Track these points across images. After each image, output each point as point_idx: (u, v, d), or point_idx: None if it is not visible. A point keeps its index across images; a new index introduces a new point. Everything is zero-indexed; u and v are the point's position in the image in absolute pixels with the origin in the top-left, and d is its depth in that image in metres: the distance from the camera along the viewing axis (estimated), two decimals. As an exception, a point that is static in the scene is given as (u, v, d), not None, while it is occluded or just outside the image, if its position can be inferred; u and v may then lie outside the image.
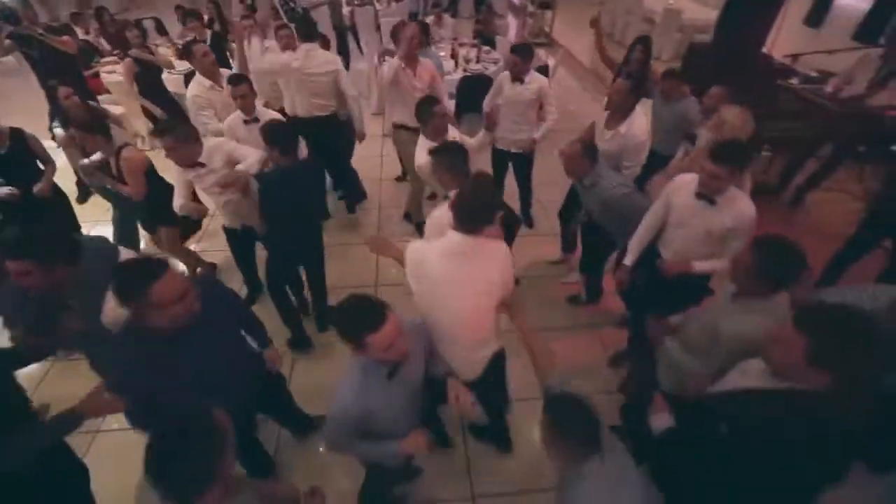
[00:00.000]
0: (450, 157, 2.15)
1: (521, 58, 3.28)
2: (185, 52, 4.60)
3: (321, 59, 3.59)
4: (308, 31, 3.60)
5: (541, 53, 8.92)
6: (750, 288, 1.58)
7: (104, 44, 6.22)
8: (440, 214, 1.97)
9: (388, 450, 1.52)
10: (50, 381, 2.88)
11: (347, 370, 1.45)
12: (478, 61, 5.69)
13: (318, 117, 3.77)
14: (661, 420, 1.55)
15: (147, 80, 4.64)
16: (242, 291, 3.37)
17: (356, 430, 1.45)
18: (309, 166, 2.77)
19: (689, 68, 4.51)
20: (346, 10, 8.17)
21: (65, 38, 4.61)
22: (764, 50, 4.54)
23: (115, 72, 5.52)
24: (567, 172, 2.57)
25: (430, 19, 6.84)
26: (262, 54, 4.20)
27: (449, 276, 1.63)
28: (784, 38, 6.06)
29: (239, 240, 3.04)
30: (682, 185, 2.19)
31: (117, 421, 2.29)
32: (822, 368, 1.15)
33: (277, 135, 2.45)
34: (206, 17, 6.23)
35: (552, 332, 3.17)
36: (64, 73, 4.15)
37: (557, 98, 3.57)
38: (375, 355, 1.34)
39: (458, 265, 1.62)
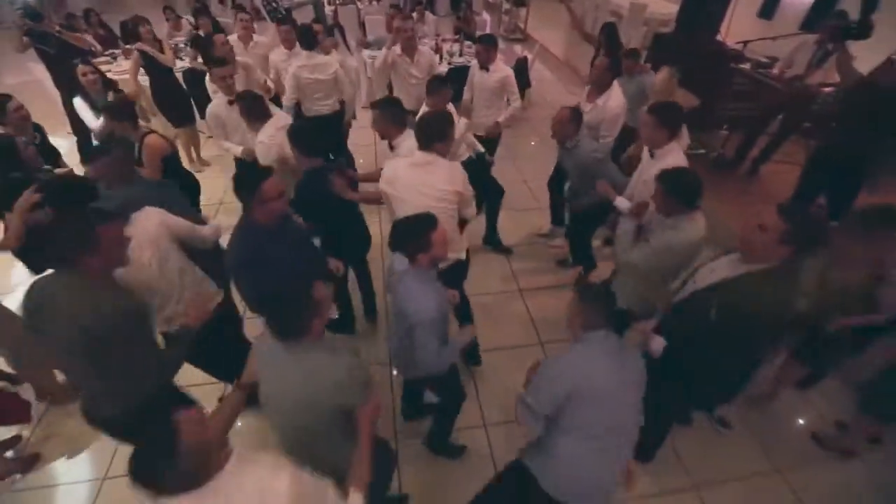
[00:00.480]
0: (391, 109, 2.64)
1: (486, 47, 3.61)
2: (200, 48, 4.72)
3: (323, 64, 3.94)
4: (310, 41, 3.92)
5: (517, 49, 9.39)
6: (671, 210, 2.08)
7: (95, 44, 6.32)
8: (393, 163, 2.41)
9: (456, 347, 1.92)
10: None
11: (405, 287, 1.78)
12: (461, 55, 6.07)
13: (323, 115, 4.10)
14: (657, 343, 1.94)
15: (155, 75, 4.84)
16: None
17: (440, 333, 1.81)
18: (333, 165, 2.83)
19: (655, 56, 4.97)
20: (328, 9, 8.43)
21: (80, 34, 4.78)
22: (719, 38, 5.04)
23: (109, 70, 5.68)
24: (554, 134, 2.97)
25: (412, 14, 7.15)
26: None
27: (412, 181, 2.24)
28: (739, 28, 6.64)
29: None
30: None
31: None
32: (789, 245, 1.62)
33: (301, 137, 2.50)
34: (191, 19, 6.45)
35: (544, 291, 3.60)
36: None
37: (535, 89, 3.96)
38: (435, 251, 1.73)
39: (420, 174, 2.23)
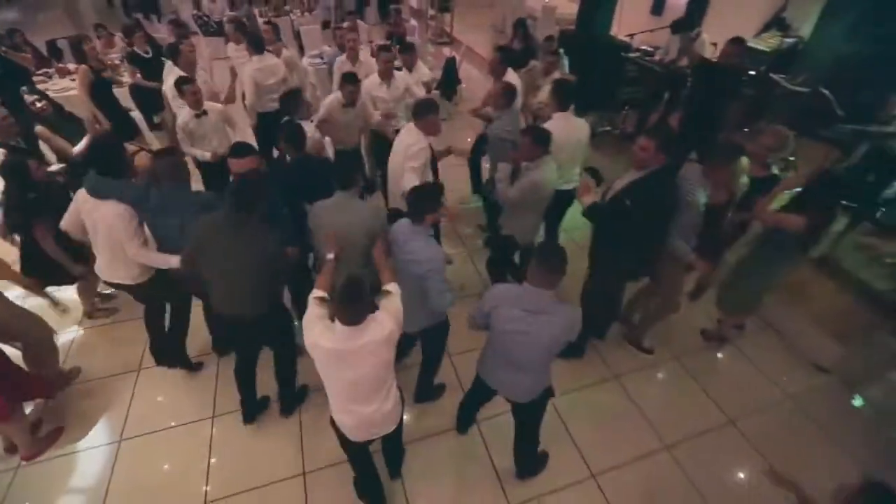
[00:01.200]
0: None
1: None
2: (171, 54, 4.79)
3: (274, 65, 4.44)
4: (259, 45, 4.35)
5: (446, 51, 10.13)
6: (534, 155, 2.86)
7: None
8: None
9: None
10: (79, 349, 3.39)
11: (417, 243, 2.23)
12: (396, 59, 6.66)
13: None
14: (589, 198, 2.66)
15: (101, 90, 4.98)
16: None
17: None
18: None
19: (564, 48, 5.83)
20: (261, 20, 8.71)
21: (24, 54, 4.84)
22: (612, 33, 6.00)
23: (47, 90, 5.70)
24: (493, 105, 3.67)
25: (346, 24, 7.63)
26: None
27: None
28: (634, 24, 7.74)
29: None
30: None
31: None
32: (663, 154, 2.48)
33: (291, 135, 2.90)
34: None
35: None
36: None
37: (465, 87, 4.60)
38: (438, 212, 2.30)
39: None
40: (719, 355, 3.45)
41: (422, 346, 2.78)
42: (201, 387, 3.10)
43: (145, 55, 5.25)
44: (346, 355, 1.77)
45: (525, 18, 5.28)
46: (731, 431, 2.92)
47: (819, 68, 5.33)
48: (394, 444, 2.40)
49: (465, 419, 2.80)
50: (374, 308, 1.87)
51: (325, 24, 9.47)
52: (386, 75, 4.13)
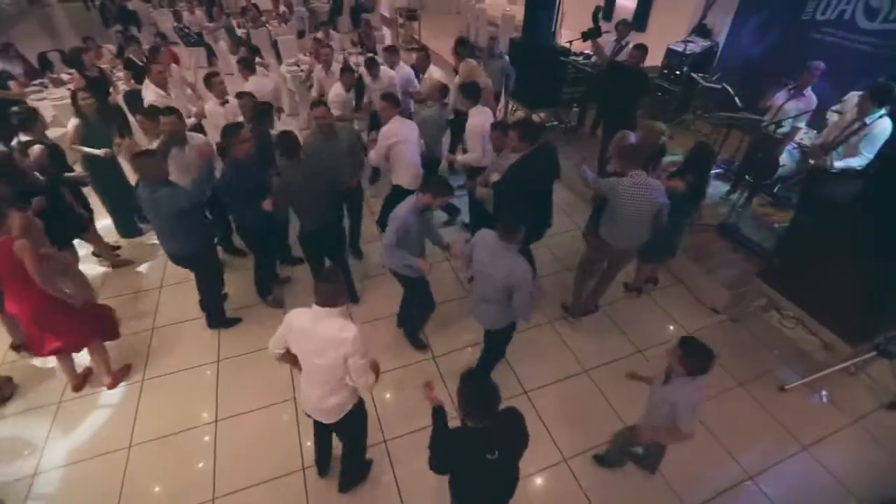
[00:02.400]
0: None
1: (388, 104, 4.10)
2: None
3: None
4: (251, 65, 4.99)
5: (415, 56, 10.84)
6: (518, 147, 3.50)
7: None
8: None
9: (412, 261, 3.00)
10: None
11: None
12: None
13: None
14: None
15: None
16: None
17: (399, 236, 2.91)
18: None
19: (512, 55, 6.58)
20: (240, 31, 9.29)
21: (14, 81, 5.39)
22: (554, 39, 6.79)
23: (44, 99, 6.18)
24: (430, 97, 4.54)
25: (319, 34, 8.27)
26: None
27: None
28: (581, 28, 8.60)
29: None
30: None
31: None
32: (525, 142, 3.20)
33: (286, 145, 3.27)
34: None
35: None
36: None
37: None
38: (428, 201, 2.93)
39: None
40: (640, 303, 4.22)
41: (485, 341, 3.20)
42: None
43: (140, 63, 5.80)
44: (310, 335, 2.10)
45: (466, 37, 6.05)
46: (636, 357, 3.68)
47: (730, 68, 6.21)
48: (346, 451, 2.69)
49: None
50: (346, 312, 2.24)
51: (301, 34, 10.10)
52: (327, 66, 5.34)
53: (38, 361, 3.49)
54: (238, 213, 3.62)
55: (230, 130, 3.24)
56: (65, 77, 6.67)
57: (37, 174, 3.49)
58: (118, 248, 4.68)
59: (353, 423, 2.47)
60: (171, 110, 3.69)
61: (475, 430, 1.81)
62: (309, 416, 2.43)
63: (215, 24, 9.84)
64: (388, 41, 11.23)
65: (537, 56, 6.07)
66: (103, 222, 4.74)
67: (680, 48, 6.30)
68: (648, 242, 3.59)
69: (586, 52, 6.69)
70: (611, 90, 4.94)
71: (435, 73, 5.58)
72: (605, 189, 3.24)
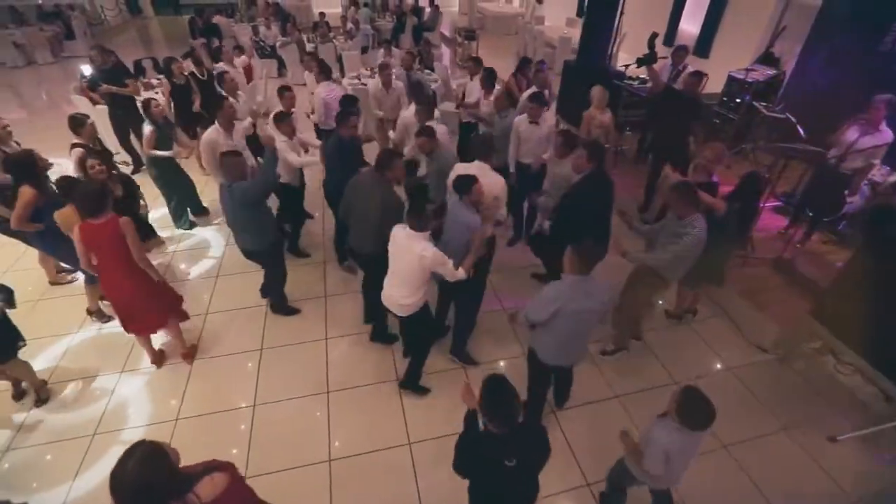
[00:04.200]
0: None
1: (536, 105, 4.32)
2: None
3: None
4: (327, 72, 5.38)
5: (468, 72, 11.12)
6: (562, 153, 3.62)
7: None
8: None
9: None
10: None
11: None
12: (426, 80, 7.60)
13: None
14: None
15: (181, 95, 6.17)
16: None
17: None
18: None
19: (565, 79, 6.64)
20: (309, 46, 9.93)
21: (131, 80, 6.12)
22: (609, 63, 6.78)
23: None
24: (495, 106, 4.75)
25: (380, 52, 8.70)
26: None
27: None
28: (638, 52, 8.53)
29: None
30: (520, 123, 4.39)
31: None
32: (592, 160, 3.28)
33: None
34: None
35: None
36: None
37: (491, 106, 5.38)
38: (474, 198, 3.03)
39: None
40: (681, 333, 4.09)
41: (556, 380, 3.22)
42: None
43: (201, 77, 6.36)
44: (400, 249, 2.83)
45: (529, 58, 6.11)
46: (671, 389, 3.54)
47: (796, 98, 5.95)
48: (408, 332, 3.51)
49: None
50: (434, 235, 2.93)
51: (364, 50, 10.65)
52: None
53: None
54: (328, 176, 4.27)
55: (344, 115, 3.99)
56: (154, 82, 7.38)
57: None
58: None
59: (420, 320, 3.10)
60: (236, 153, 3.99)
61: (496, 435, 1.85)
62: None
63: (287, 38, 10.57)
64: (446, 60, 11.61)
65: (590, 78, 6.09)
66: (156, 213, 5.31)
67: (741, 76, 6.12)
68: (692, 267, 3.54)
69: (643, 76, 6.63)
70: (663, 116, 4.88)
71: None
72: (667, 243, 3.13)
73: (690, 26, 9.61)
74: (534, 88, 5.00)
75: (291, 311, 4.19)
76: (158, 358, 3.66)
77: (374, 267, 3.29)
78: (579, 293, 2.48)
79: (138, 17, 18.27)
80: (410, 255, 2.78)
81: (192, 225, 5.37)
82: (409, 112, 4.70)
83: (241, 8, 14.00)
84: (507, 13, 14.69)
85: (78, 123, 4.23)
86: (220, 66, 6.46)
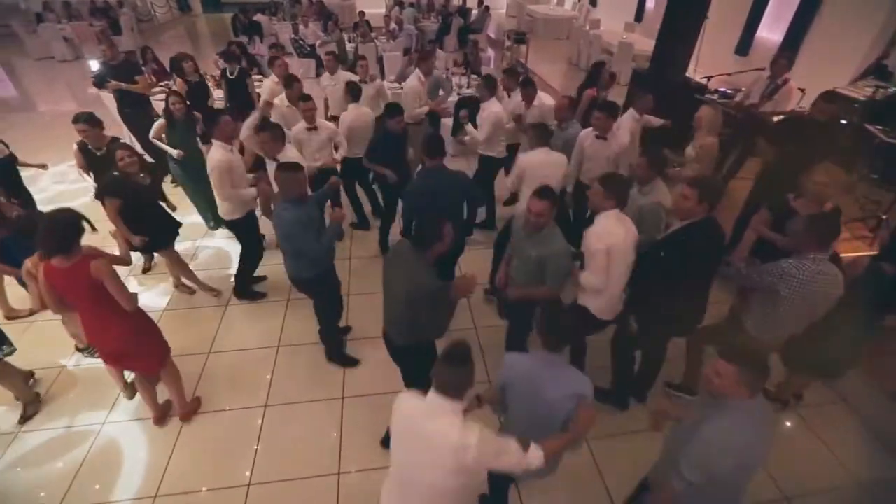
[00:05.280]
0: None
1: (606, 115, 3.70)
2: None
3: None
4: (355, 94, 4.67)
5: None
6: (646, 177, 2.97)
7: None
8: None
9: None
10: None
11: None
12: (468, 87, 6.95)
13: None
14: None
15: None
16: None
17: None
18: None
19: (632, 89, 5.78)
20: (350, 46, 9.46)
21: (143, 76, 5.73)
22: (687, 74, 5.87)
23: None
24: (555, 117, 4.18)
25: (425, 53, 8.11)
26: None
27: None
28: (716, 64, 7.50)
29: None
30: (586, 135, 3.81)
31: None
32: (704, 203, 2.43)
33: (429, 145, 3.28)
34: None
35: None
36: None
37: (541, 116, 4.69)
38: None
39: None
40: (787, 424, 3.21)
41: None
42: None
43: (230, 76, 5.92)
44: (413, 431, 1.57)
45: (603, 62, 5.28)
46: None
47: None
48: None
49: None
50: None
51: (406, 51, 10.08)
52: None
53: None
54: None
55: (393, 109, 3.97)
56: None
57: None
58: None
59: None
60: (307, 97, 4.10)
61: None
62: None
63: (328, 37, 10.15)
64: (493, 64, 10.90)
65: (668, 92, 5.22)
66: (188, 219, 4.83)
67: (855, 93, 5.10)
68: (808, 347, 2.72)
69: (723, 89, 5.70)
70: (781, 145, 3.92)
71: (545, 98, 5.01)
72: (773, 279, 2.39)
73: (771, 34, 8.50)
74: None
75: (349, 362, 3.49)
76: (162, 414, 3.08)
77: (408, 362, 2.66)
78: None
79: (187, 15, 18.49)
80: (434, 452, 1.52)
81: (217, 225, 5.00)
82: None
83: (284, 6, 13.75)
84: (560, 16, 13.79)
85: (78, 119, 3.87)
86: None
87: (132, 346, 2.64)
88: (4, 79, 10.83)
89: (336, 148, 4.42)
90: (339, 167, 4.50)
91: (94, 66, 6.50)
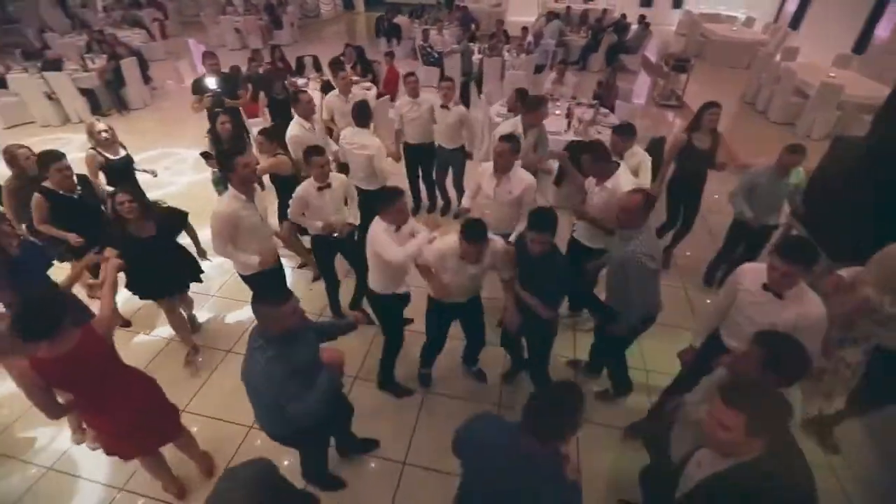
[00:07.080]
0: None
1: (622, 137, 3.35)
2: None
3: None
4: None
5: (669, 115, 8.54)
6: None
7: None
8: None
9: None
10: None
11: None
12: (593, 123, 5.55)
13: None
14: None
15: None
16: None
17: None
18: None
19: (832, 164, 3.92)
20: (476, 57, 8.68)
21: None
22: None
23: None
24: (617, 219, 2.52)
25: (552, 75, 6.93)
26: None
27: None
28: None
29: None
30: (749, 274, 2.15)
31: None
32: (757, 437, 1.39)
33: None
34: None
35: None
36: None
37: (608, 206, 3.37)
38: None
39: None
40: None
41: None
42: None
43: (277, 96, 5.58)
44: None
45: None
46: None
47: None
48: None
49: None
50: None
51: (539, 69, 8.97)
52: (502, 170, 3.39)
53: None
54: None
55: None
56: (300, 82, 6.95)
57: None
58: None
59: None
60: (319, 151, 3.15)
61: None
62: None
63: (458, 45, 9.52)
64: (635, 97, 9.16)
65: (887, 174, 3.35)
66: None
67: None
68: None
69: None
70: None
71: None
72: None
73: None
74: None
75: (401, 391, 3.22)
76: (181, 490, 2.63)
77: None
78: None
79: (350, 12, 19.67)
80: None
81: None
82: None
83: (428, 10, 13.60)
84: (741, 39, 11.25)
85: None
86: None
87: (157, 396, 2.34)
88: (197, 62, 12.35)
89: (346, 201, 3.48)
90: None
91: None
